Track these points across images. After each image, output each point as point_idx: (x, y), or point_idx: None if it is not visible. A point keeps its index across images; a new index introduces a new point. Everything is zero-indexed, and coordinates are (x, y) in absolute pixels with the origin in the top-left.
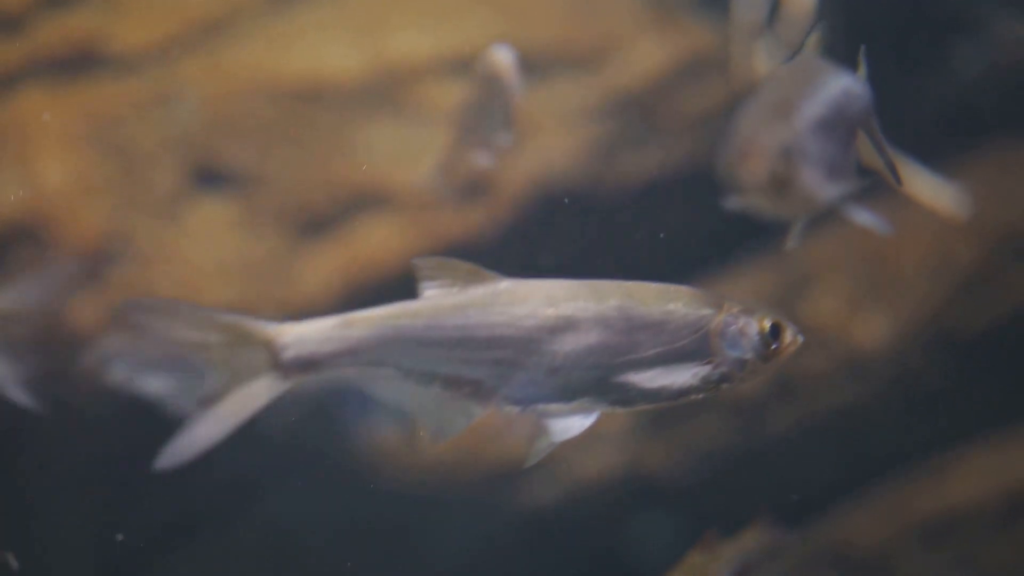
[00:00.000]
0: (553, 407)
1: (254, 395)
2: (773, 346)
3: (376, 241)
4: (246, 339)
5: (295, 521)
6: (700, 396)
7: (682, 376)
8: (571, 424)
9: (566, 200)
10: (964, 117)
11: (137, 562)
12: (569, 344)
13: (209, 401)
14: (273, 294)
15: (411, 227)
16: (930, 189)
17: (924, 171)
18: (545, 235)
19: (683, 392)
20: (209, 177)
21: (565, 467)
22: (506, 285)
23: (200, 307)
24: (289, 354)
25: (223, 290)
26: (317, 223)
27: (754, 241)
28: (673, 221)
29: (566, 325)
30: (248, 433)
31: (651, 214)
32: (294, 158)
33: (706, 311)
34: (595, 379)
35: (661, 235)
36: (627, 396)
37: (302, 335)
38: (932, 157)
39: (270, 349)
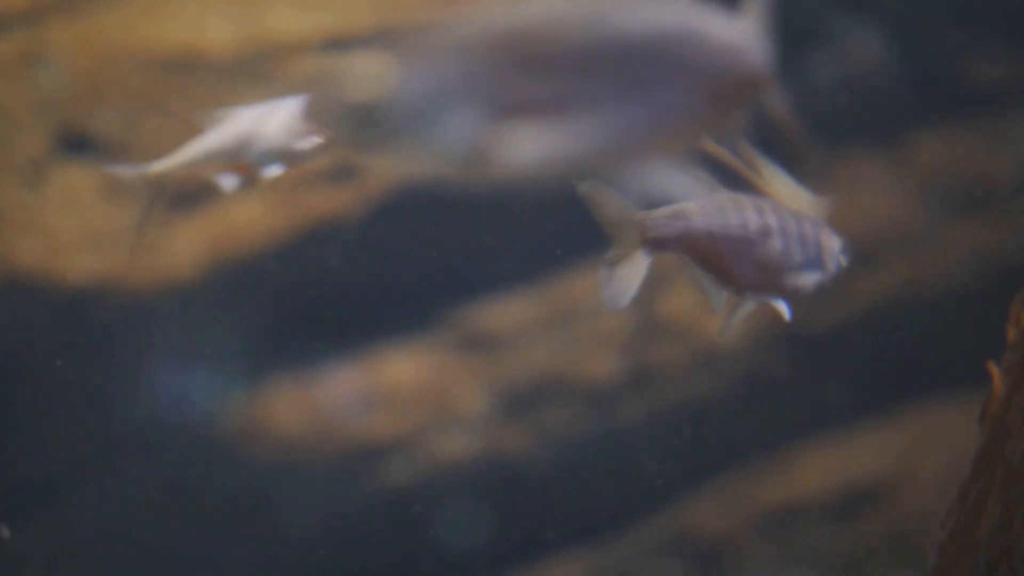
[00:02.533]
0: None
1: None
2: (844, 264)
3: (246, 216)
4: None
5: (146, 496)
6: (808, 298)
7: (810, 279)
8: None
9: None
10: (819, 127)
11: None
12: (771, 247)
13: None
14: (139, 264)
15: (281, 204)
16: (788, 192)
17: (781, 173)
18: (412, 219)
19: (808, 294)
20: (76, 143)
21: (422, 449)
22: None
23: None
24: (650, 235)
25: (87, 258)
26: (187, 195)
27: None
28: (534, 215)
29: (768, 232)
30: (89, 405)
31: (515, 206)
32: (165, 128)
33: (820, 227)
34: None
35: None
36: (784, 291)
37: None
38: (791, 164)
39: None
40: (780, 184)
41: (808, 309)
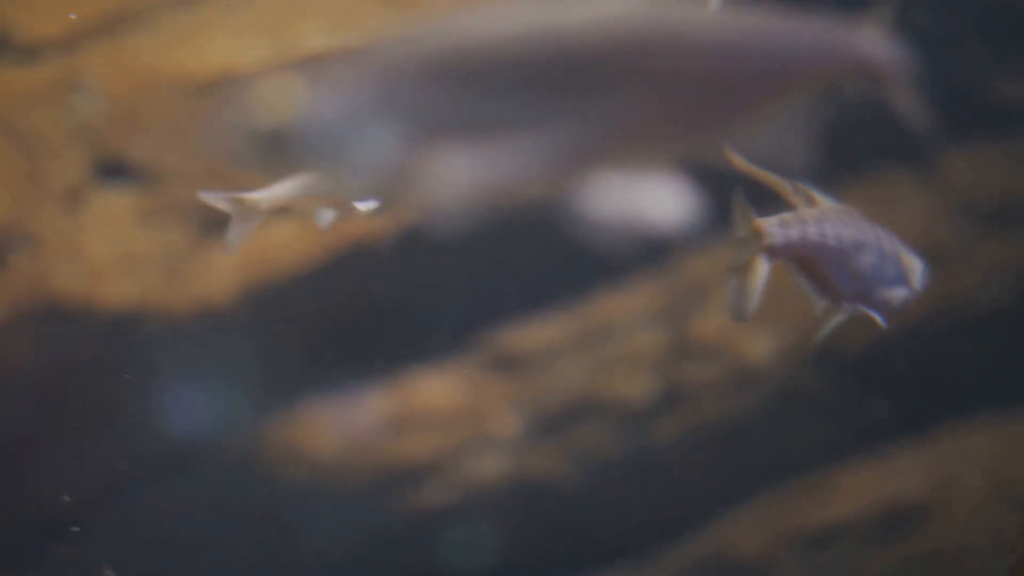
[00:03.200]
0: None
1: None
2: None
3: (279, 240)
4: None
5: (174, 514)
6: (895, 313)
7: (899, 295)
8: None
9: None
10: (848, 145)
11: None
12: (864, 261)
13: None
14: (173, 289)
15: (314, 228)
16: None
17: (815, 191)
18: (444, 241)
19: (896, 309)
20: (112, 169)
21: (456, 471)
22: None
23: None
24: (766, 242)
25: (123, 282)
26: (220, 220)
27: (641, 258)
28: (560, 238)
29: (862, 245)
30: (124, 428)
31: (547, 231)
32: (198, 153)
33: (899, 246)
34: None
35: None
36: (876, 304)
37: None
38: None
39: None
40: (815, 202)
41: (842, 327)
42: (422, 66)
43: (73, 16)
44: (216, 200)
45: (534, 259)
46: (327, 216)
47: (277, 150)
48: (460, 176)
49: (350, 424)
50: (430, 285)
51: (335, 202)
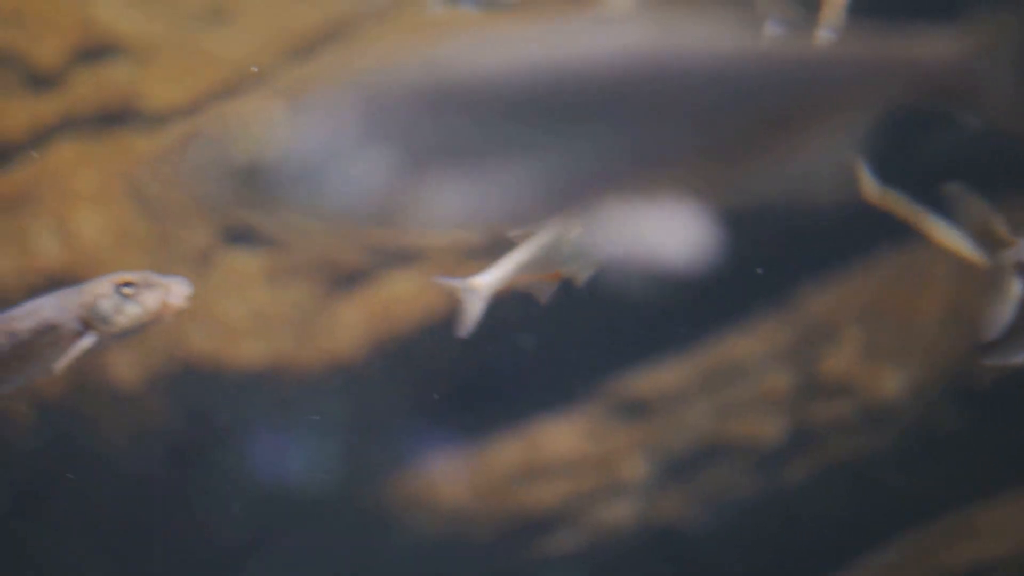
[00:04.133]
0: None
1: None
2: None
3: (403, 293)
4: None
5: (308, 566)
6: None
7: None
8: None
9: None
10: (973, 175)
11: None
12: None
13: None
14: (302, 345)
15: (433, 282)
16: (950, 235)
17: (945, 223)
18: (565, 288)
19: None
20: (239, 232)
21: (585, 518)
22: None
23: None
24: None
25: (255, 341)
26: (345, 276)
27: (766, 295)
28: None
29: None
30: (258, 481)
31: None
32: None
33: None
34: None
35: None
36: None
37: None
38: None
39: None
40: (947, 235)
41: (975, 360)
42: (411, 93)
43: (254, 69)
44: (446, 285)
45: (655, 301)
46: (547, 290)
47: (253, 185)
48: (450, 206)
49: (479, 473)
50: (551, 333)
51: (551, 276)
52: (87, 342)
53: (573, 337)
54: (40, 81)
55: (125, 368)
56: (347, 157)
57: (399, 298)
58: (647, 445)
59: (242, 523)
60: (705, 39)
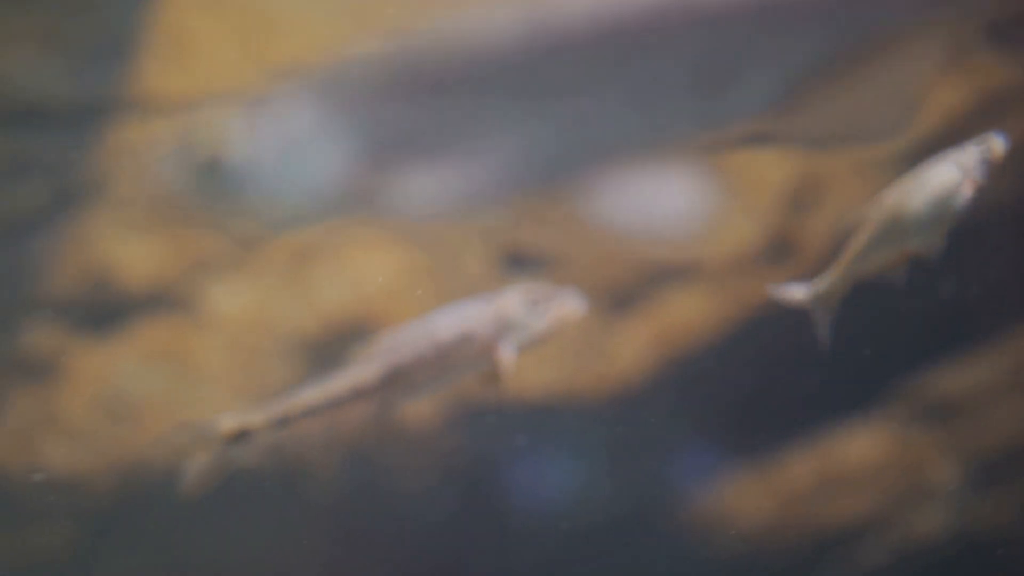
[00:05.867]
0: None
1: None
2: None
3: (684, 311)
4: None
5: None
6: None
7: None
8: None
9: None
10: None
11: None
12: None
13: None
14: (591, 370)
15: (718, 292)
16: None
17: None
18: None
19: None
20: (516, 260)
21: (895, 529)
22: None
23: None
24: None
25: (542, 370)
26: (624, 297)
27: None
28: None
29: None
30: (553, 510)
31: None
32: (595, 236)
33: None
34: None
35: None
36: None
37: None
38: None
39: None
40: None
41: None
42: (375, 84)
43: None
44: (784, 293)
45: (956, 295)
46: (899, 276)
47: (216, 180)
48: (418, 190)
49: (774, 492)
50: (842, 337)
51: (903, 255)
52: (508, 351)
53: (866, 338)
54: None
55: (419, 409)
56: (309, 149)
57: (678, 317)
58: (957, 449)
59: (537, 555)
60: None
